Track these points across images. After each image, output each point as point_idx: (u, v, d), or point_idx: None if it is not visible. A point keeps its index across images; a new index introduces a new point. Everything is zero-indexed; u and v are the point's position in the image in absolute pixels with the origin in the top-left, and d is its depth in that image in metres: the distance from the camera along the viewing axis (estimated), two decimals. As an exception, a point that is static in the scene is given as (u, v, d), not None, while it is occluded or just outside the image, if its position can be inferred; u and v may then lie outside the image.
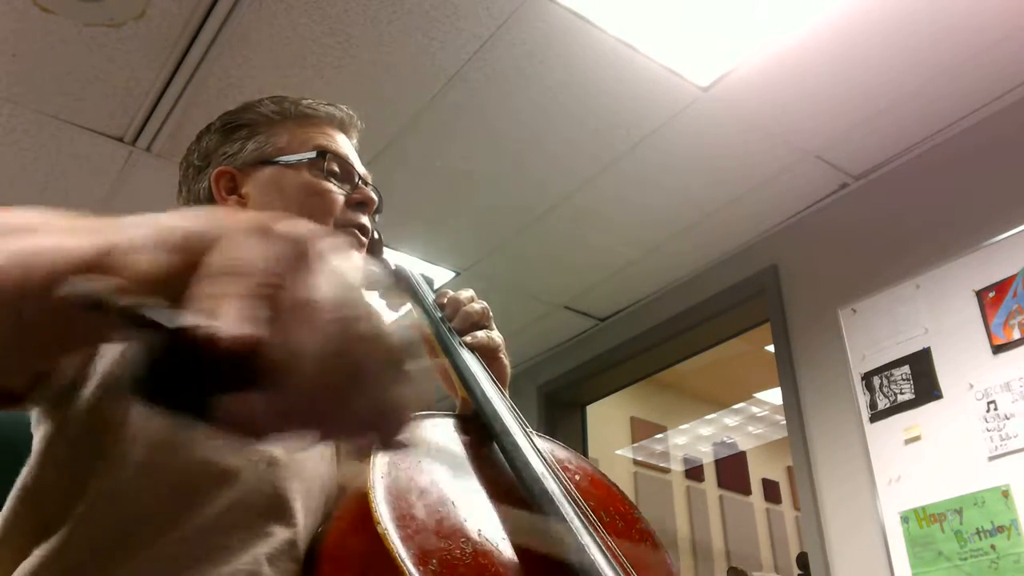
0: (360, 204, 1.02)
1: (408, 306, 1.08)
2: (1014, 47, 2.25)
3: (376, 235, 1.11)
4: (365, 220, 1.03)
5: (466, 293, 1.05)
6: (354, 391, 0.37)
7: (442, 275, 3.20)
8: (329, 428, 0.39)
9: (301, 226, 0.39)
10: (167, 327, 0.35)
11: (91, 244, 0.40)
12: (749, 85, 2.35)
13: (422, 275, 1.09)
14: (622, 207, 2.87)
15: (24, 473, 0.76)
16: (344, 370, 0.37)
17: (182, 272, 0.38)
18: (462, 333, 1.00)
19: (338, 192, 1.01)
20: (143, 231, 0.40)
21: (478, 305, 1.04)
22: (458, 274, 3.22)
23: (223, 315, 0.35)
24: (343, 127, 1.08)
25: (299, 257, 0.38)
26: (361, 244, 1.02)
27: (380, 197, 1.08)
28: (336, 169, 1.02)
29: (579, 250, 3.11)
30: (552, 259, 3.17)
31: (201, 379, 0.35)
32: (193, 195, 1.04)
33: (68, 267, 0.40)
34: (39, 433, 0.77)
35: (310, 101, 1.06)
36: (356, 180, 1.04)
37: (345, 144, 1.07)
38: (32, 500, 0.74)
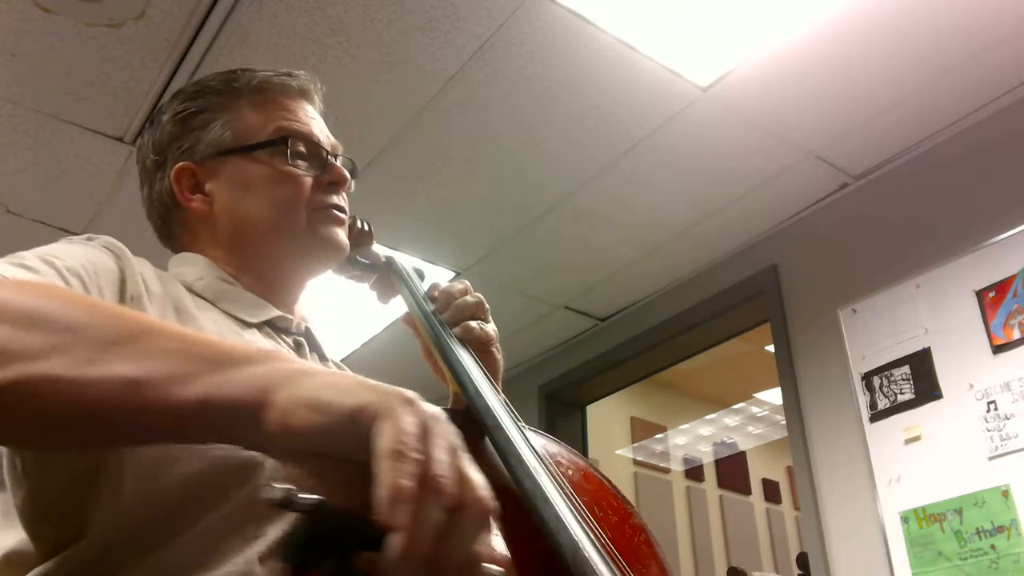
0: (332, 184, 0.98)
1: (399, 298, 1.06)
2: (1014, 47, 2.25)
3: (366, 226, 1.08)
4: (339, 200, 0.99)
5: (459, 286, 1.01)
6: (451, 552, 0.47)
7: (442, 275, 3.20)
8: None
9: (413, 395, 0.51)
10: (316, 507, 0.44)
11: (249, 390, 0.52)
12: (749, 85, 2.35)
13: (414, 268, 1.08)
14: (622, 207, 2.87)
15: (15, 496, 0.75)
16: (449, 537, 0.46)
17: (346, 441, 0.49)
18: (454, 325, 0.97)
19: (306, 175, 0.96)
20: (311, 388, 0.51)
21: (472, 298, 1.00)
22: (458, 274, 3.21)
23: (395, 492, 0.45)
24: (304, 95, 1.01)
25: (428, 430, 0.49)
26: (341, 222, 0.98)
27: (354, 166, 1.03)
28: (302, 150, 0.96)
29: (579, 250, 3.10)
30: (552, 259, 3.17)
31: (338, 545, 0.44)
32: (156, 195, 0.99)
33: (225, 415, 0.52)
34: (15, 455, 0.74)
35: (264, 73, 0.99)
36: (324, 157, 0.98)
37: (308, 115, 0.99)
38: (35, 524, 0.73)
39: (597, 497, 0.88)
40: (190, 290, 0.90)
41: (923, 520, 2.31)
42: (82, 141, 2.52)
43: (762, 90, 2.37)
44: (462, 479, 0.49)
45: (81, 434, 0.57)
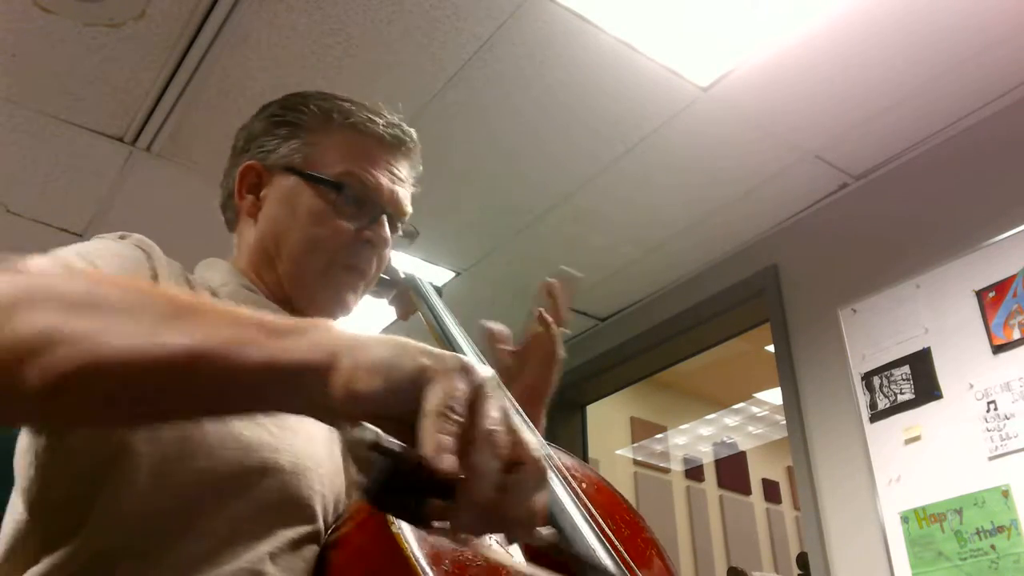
0: (367, 242, 0.96)
1: (418, 314, 1.08)
2: (1014, 47, 2.25)
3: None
4: (366, 263, 0.97)
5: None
6: (510, 505, 0.49)
7: (442, 275, 3.20)
8: (489, 527, 0.50)
9: (470, 361, 0.52)
10: (398, 453, 0.47)
11: (315, 353, 0.52)
12: (749, 85, 2.35)
13: (431, 284, 1.09)
14: (622, 207, 2.87)
15: (26, 484, 0.76)
16: (508, 490, 0.49)
17: (407, 404, 0.50)
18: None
19: (347, 227, 0.94)
20: (372, 354, 0.51)
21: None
22: (458, 274, 3.21)
23: (436, 448, 0.47)
24: (393, 149, 1.00)
25: (480, 394, 0.51)
26: (354, 286, 0.97)
27: (415, 233, 1.03)
28: (357, 197, 0.95)
29: (579, 250, 3.10)
30: (552, 259, 3.17)
31: (413, 490, 0.47)
32: (227, 178, 1.03)
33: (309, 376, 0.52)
34: (35, 444, 0.76)
35: (365, 115, 0.98)
36: (378, 214, 0.97)
37: (388, 170, 0.98)
38: (41, 513, 0.75)
39: (610, 510, 0.90)
40: (214, 296, 0.92)
41: (923, 520, 2.31)
42: (82, 141, 2.51)
43: (762, 90, 2.37)
44: (516, 439, 0.50)
45: (148, 410, 0.56)
